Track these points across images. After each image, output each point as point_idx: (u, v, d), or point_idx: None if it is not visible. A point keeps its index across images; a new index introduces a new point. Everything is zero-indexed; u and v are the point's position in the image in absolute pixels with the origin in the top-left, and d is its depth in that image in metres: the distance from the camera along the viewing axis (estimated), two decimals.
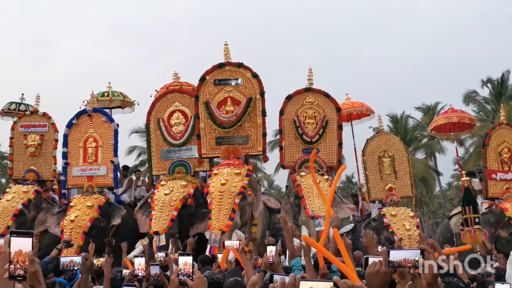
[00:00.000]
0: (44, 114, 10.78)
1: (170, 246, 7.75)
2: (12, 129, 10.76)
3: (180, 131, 10.24)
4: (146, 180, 11.87)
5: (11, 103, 12.24)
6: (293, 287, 1.64)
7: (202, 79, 9.99)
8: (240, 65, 9.95)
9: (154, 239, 8.23)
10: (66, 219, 8.98)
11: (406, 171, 10.75)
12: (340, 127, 10.29)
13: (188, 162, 10.02)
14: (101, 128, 10.28)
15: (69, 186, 10.28)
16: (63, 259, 3.25)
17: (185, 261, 2.55)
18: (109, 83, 13.00)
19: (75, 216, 8.95)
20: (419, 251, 2.09)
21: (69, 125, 10.34)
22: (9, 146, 10.77)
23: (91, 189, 9.69)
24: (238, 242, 4.40)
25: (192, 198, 9.19)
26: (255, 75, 9.89)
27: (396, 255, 2.03)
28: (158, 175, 10.39)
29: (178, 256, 2.67)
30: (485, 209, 9.68)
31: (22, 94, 12.40)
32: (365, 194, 10.91)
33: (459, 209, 10.55)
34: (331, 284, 1.58)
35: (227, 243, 4.72)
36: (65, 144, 10.26)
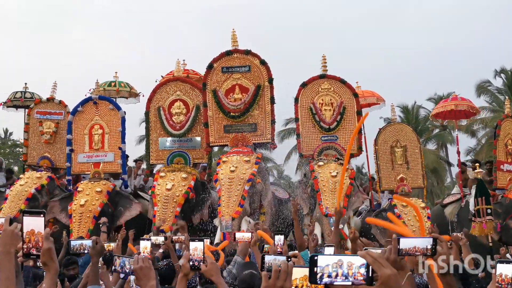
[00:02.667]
0: (60, 102, 10.86)
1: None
2: (28, 115, 10.85)
3: (180, 121, 10.07)
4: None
5: (16, 92, 12.27)
6: (286, 274, 1.61)
7: (210, 67, 9.88)
8: (248, 52, 9.83)
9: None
10: (75, 204, 9.01)
11: (418, 161, 10.56)
12: (359, 113, 10.02)
13: (187, 153, 9.89)
14: (107, 116, 10.30)
15: (74, 173, 10.29)
16: (73, 242, 3.24)
17: (196, 247, 2.49)
18: (116, 73, 12.95)
19: (85, 201, 9.01)
20: (431, 239, 2.04)
21: (74, 112, 10.35)
22: (24, 131, 10.84)
23: (98, 175, 9.72)
24: (250, 234, 4.32)
25: (193, 191, 9.12)
26: (263, 62, 9.76)
27: (406, 243, 1.98)
28: (155, 164, 10.29)
29: (189, 241, 2.61)
30: None
31: (25, 84, 12.39)
32: (376, 184, 10.80)
33: (452, 198, 10.48)
34: None
35: (238, 235, 4.62)
36: (70, 131, 10.28)
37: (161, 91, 10.31)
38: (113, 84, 12.54)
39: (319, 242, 7.83)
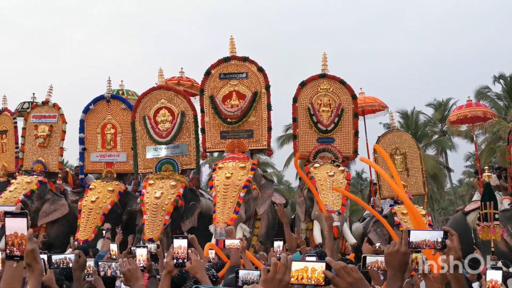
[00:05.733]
0: (54, 104, 10.73)
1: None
2: (25, 119, 10.77)
3: (166, 129, 9.87)
4: None
5: (24, 102, 12.37)
6: (285, 267, 1.59)
7: (207, 73, 9.79)
8: (245, 59, 9.74)
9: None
10: (86, 200, 8.94)
11: (418, 168, 10.38)
12: (356, 116, 9.82)
13: (175, 160, 9.71)
14: (120, 115, 10.24)
15: (87, 171, 10.20)
16: (54, 257, 3.10)
17: (180, 245, 2.48)
18: (122, 81, 12.84)
19: (96, 198, 8.97)
20: (442, 232, 1.96)
21: (86, 110, 10.26)
22: (21, 136, 10.72)
23: (111, 175, 9.71)
24: (238, 241, 4.32)
25: (182, 199, 8.94)
26: (260, 69, 9.65)
27: (417, 236, 1.94)
28: (144, 173, 10.02)
29: (173, 239, 2.59)
30: (508, 205, 9.15)
31: (33, 94, 12.42)
32: (377, 192, 10.66)
33: (473, 205, 9.97)
34: (324, 264, 1.61)
35: (227, 242, 4.62)
36: (82, 130, 10.19)
37: (146, 100, 10.10)
38: (120, 92, 12.46)
39: (320, 241, 7.77)
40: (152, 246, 4.91)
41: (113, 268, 3.02)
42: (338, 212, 8.02)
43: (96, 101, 10.30)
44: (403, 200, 2.78)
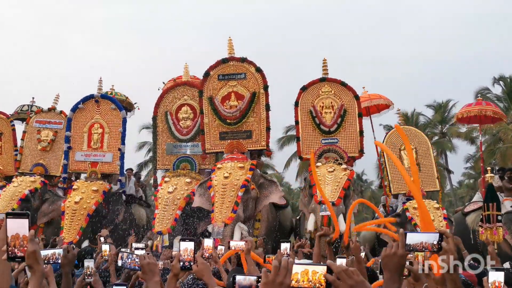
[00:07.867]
0: (61, 112, 10.81)
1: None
2: (27, 123, 10.79)
3: (187, 126, 9.97)
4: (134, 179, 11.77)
5: (23, 105, 12.42)
6: (286, 270, 1.59)
7: (206, 74, 9.80)
8: (243, 60, 9.75)
9: (158, 239, 8.19)
10: (70, 201, 8.82)
11: (431, 164, 10.23)
12: (360, 115, 9.82)
13: (194, 158, 9.73)
14: (108, 115, 10.18)
15: (71, 171, 10.13)
16: (43, 252, 3.04)
17: (186, 247, 2.47)
18: (112, 86, 12.82)
19: (80, 198, 8.85)
20: (437, 234, 1.96)
21: (74, 109, 10.22)
22: (21, 139, 10.74)
23: (95, 175, 9.61)
24: (243, 243, 4.28)
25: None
26: (259, 70, 9.66)
27: (413, 238, 1.93)
28: (162, 169, 10.11)
29: (180, 241, 2.56)
30: (510, 206, 9.09)
31: (33, 98, 12.50)
32: (387, 188, 10.42)
33: (473, 206, 9.90)
34: (325, 267, 1.59)
35: (232, 243, 4.53)
36: (69, 128, 10.14)
37: (169, 95, 10.20)
38: (109, 92, 12.56)
39: (311, 229, 7.81)
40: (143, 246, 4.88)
41: (130, 258, 2.95)
42: (332, 203, 7.91)
43: (85, 100, 10.25)
44: (414, 196, 2.76)
